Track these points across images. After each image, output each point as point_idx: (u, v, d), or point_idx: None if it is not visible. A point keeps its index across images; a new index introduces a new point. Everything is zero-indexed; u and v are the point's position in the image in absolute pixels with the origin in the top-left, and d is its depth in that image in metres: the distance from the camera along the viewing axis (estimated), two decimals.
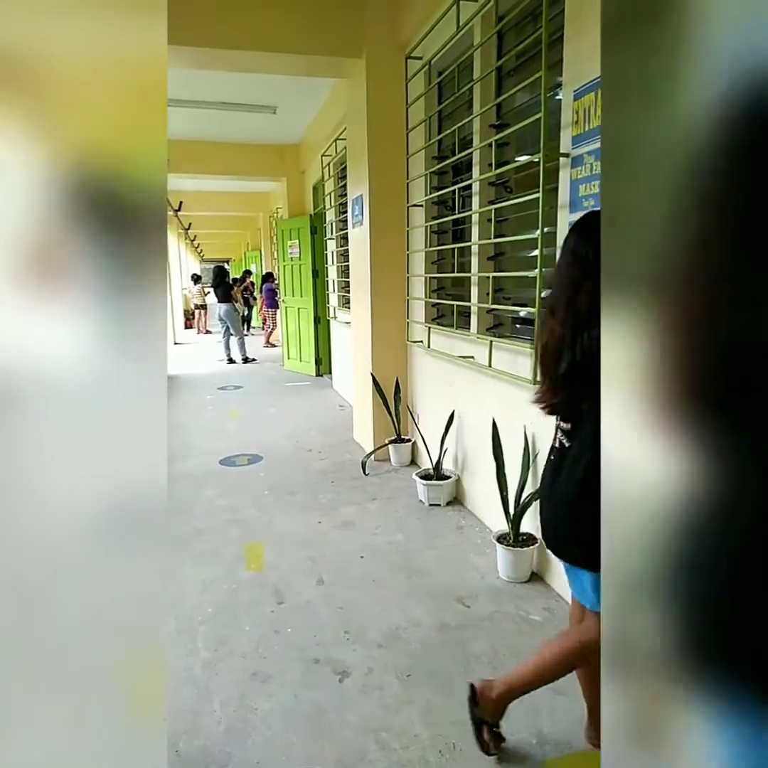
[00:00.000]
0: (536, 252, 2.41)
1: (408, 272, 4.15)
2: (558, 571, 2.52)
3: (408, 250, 4.10)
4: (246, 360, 9.29)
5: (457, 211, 3.49)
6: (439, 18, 3.19)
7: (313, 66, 4.15)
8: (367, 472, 4.07)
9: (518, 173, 2.83)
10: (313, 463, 4.35)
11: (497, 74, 2.94)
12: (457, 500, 3.56)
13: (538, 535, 2.64)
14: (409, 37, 3.77)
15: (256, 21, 3.65)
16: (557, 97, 2.40)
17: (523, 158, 2.67)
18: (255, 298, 13.14)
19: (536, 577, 2.64)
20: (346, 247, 5.25)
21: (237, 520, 3.37)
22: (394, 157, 4.00)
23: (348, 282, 5.20)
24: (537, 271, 2.39)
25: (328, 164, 6.13)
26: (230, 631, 2.32)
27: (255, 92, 5.76)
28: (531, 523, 2.70)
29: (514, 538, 2.63)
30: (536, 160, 2.38)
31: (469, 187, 3.20)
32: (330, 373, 7.67)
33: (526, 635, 2.23)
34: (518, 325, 3.00)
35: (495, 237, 3.01)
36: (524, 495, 2.61)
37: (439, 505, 3.49)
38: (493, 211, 2.98)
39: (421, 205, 3.83)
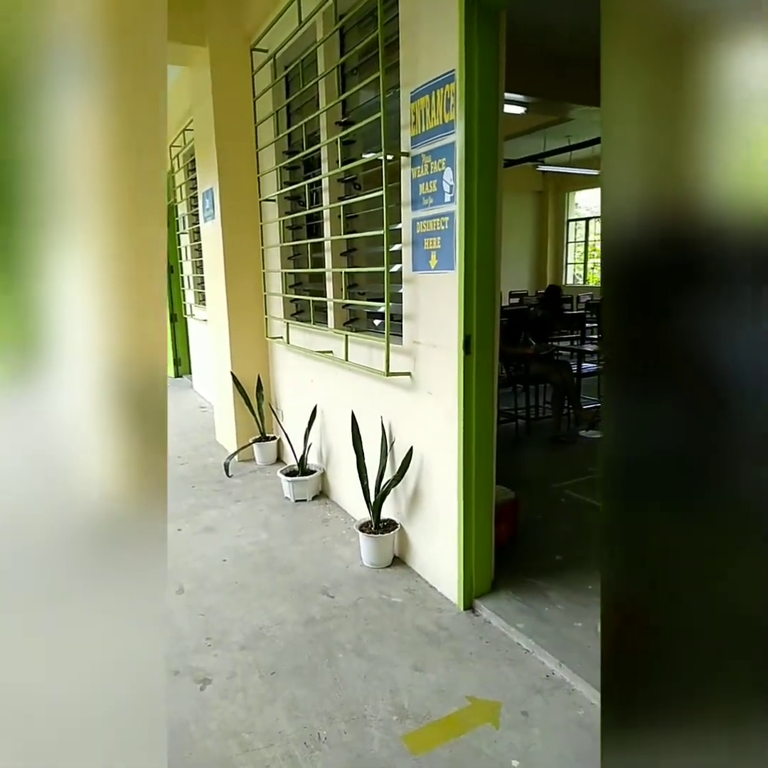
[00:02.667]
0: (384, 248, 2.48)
1: (264, 267, 4.08)
2: (418, 553, 2.64)
3: (263, 245, 4.04)
4: None
5: (308, 207, 3.49)
6: (282, 11, 3.17)
7: None
8: (230, 474, 3.96)
9: (366, 170, 2.89)
10: (172, 469, 4.14)
11: (341, 72, 2.98)
12: (323, 494, 3.59)
13: (398, 520, 2.75)
14: (253, 29, 3.69)
15: None
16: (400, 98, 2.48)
17: (368, 156, 2.74)
18: None
19: (398, 561, 2.74)
20: (199, 242, 5.04)
21: None
22: (243, 150, 3.91)
23: (203, 278, 5.00)
24: (384, 267, 2.47)
25: (177, 155, 5.85)
26: None
27: None
28: (392, 509, 2.80)
29: (376, 525, 2.71)
30: (380, 158, 2.45)
31: (320, 182, 3.22)
32: (190, 373, 7.34)
33: (388, 617, 2.31)
34: (377, 322, 3.08)
35: (346, 233, 3.06)
36: (383, 482, 2.69)
37: (305, 500, 3.50)
38: (342, 207, 3.03)
39: (274, 200, 3.78)
